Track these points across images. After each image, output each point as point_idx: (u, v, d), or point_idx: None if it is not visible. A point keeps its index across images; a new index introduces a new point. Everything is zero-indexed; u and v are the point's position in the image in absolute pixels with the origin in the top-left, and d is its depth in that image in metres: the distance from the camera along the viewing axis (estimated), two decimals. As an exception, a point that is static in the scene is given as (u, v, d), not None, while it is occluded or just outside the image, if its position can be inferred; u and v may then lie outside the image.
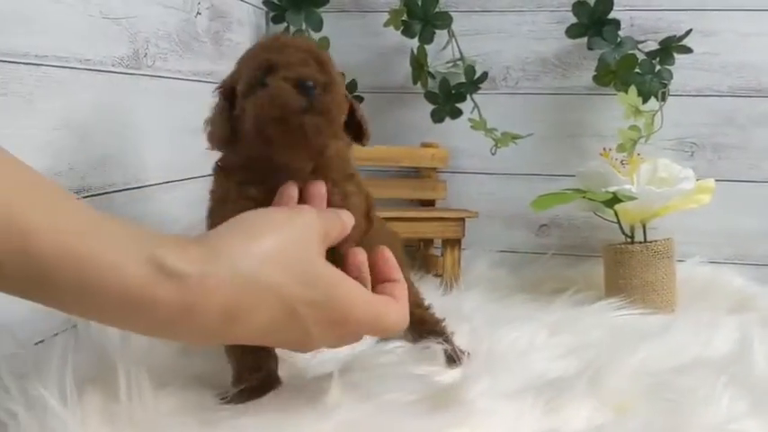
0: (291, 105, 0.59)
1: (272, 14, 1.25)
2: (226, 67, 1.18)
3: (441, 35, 1.23)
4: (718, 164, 1.23)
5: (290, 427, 0.60)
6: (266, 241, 0.50)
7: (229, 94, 0.66)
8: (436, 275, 1.15)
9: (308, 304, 0.51)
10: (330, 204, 0.64)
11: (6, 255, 0.42)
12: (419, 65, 1.21)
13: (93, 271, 0.43)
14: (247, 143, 0.62)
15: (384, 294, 0.59)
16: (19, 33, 0.69)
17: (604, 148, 1.10)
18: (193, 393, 0.65)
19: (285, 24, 1.25)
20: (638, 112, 1.06)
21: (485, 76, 1.21)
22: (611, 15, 1.17)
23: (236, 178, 0.64)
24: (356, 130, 0.69)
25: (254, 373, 0.67)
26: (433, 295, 1.08)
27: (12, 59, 0.68)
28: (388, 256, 0.62)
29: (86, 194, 0.79)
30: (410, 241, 1.28)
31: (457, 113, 1.21)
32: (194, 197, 0.96)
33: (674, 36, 1.15)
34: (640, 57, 1.15)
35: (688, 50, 1.14)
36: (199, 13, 1.04)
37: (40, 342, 0.56)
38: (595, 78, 1.18)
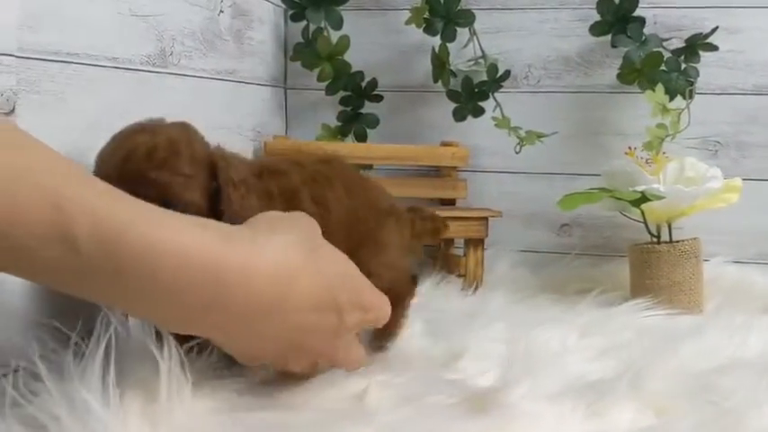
0: None
1: (290, 12, 1.25)
2: (247, 66, 1.19)
3: (462, 33, 1.22)
4: (742, 162, 1.21)
5: (330, 429, 0.59)
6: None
7: None
8: (459, 276, 1.13)
9: (338, 275, 0.58)
10: None
11: (91, 242, 0.45)
12: (441, 63, 1.20)
13: (168, 253, 0.47)
14: None
15: None
16: (51, 31, 0.68)
17: (630, 147, 1.08)
18: (229, 393, 0.64)
19: (305, 23, 1.24)
20: (665, 110, 1.05)
21: (507, 74, 1.20)
22: (636, 13, 1.16)
23: None
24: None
25: None
26: (456, 296, 1.08)
27: (44, 57, 0.67)
28: None
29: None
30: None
31: (479, 112, 1.20)
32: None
33: (700, 34, 1.14)
34: (665, 54, 1.13)
35: (713, 48, 1.13)
36: (222, 11, 1.03)
37: (80, 343, 0.55)
38: (619, 76, 1.17)
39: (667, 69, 1.11)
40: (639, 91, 1.17)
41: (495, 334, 0.86)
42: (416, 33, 1.23)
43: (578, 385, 0.70)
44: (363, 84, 1.27)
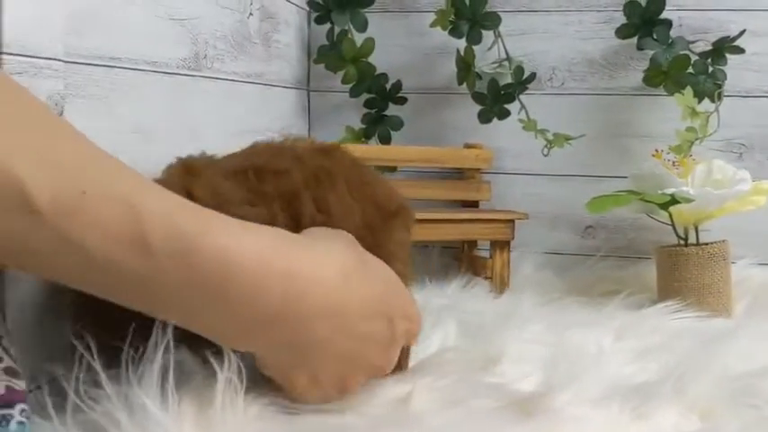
0: None
1: (315, 15, 1.25)
2: (275, 68, 1.19)
3: (486, 35, 1.22)
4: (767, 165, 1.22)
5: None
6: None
7: None
8: (486, 278, 1.13)
9: (387, 283, 0.59)
10: None
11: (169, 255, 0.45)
12: (466, 66, 1.20)
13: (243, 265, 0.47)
14: None
15: None
16: (95, 35, 0.68)
17: (656, 150, 1.09)
18: (276, 397, 0.64)
19: (329, 25, 1.24)
20: (694, 113, 1.05)
21: (533, 76, 1.20)
22: (661, 16, 1.16)
23: None
24: None
25: None
26: (483, 299, 1.08)
27: (89, 62, 0.67)
28: None
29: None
30: (455, 243, 1.27)
31: (505, 114, 1.20)
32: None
33: (727, 37, 1.14)
34: (692, 57, 1.14)
35: (740, 51, 1.13)
36: (251, 14, 1.03)
37: (137, 348, 0.55)
38: (645, 79, 1.17)
39: (695, 72, 1.11)
40: (664, 93, 1.17)
41: (530, 336, 0.86)
42: (439, 35, 1.23)
43: (621, 388, 0.70)
44: (388, 86, 1.27)
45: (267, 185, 0.66)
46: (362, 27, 1.23)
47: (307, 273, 0.50)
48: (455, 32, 1.19)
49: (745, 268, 1.15)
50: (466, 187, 1.27)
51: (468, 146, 1.26)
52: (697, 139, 1.07)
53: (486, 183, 1.27)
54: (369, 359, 0.58)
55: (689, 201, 1.01)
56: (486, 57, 1.24)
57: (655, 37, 1.15)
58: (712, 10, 1.20)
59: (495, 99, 1.20)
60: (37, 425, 0.51)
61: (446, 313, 0.93)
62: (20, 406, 0.49)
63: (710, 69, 1.13)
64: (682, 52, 1.13)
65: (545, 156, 1.18)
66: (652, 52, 1.15)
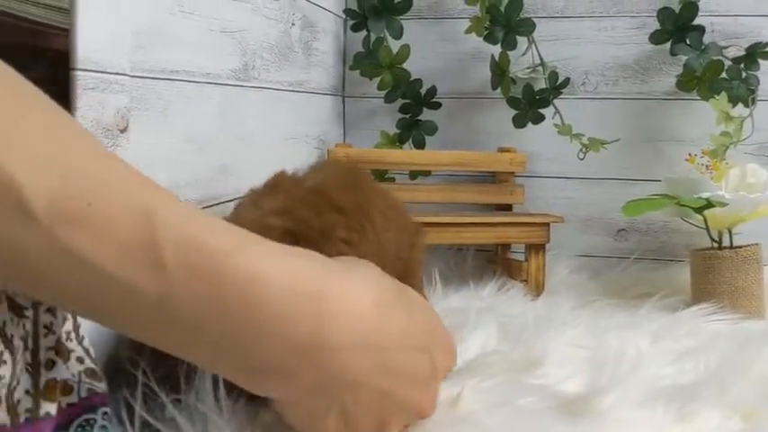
0: None
1: (351, 23, 1.28)
2: (314, 76, 1.22)
3: (520, 41, 1.24)
4: (799, 169, 1.22)
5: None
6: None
7: None
8: (521, 281, 1.15)
9: (425, 314, 0.54)
10: None
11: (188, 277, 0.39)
12: (501, 71, 1.22)
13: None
14: None
15: None
16: (157, 49, 0.71)
17: (690, 154, 1.10)
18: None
19: (365, 33, 1.26)
20: (728, 117, 1.06)
21: (567, 81, 1.22)
22: (694, 21, 1.17)
23: None
24: None
25: None
26: (520, 301, 1.10)
27: (152, 75, 0.70)
28: None
29: (207, 205, 0.81)
30: (488, 246, 1.29)
31: (539, 119, 1.22)
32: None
33: (760, 42, 1.15)
34: (725, 63, 1.15)
35: (773, 56, 1.14)
36: (293, 24, 1.06)
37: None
38: (679, 84, 1.18)
39: (728, 77, 1.13)
40: (696, 98, 1.18)
41: (569, 339, 0.88)
42: (473, 41, 1.25)
43: (663, 390, 0.71)
44: (422, 91, 1.30)
45: (311, 246, 0.66)
46: (398, 34, 1.25)
47: (341, 300, 0.44)
48: (490, 39, 1.21)
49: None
50: (500, 191, 1.29)
51: (501, 150, 1.29)
52: (731, 144, 1.09)
53: (519, 186, 1.29)
54: (409, 398, 0.50)
55: (724, 204, 1.02)
56: (521, 62, 1.26)
57: (688, 42, 1.16)
58: (744, 15, 1.21)
59: (530, 104, 1.22)
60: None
61: (485, 316, 0.95)
62: (102, 409, 0.50)
63: (744, 74, 1.14)
64: (715, 58, 1.15)
65: (581, 160, 1.20)
66: (685, 57, 1.17)
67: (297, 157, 1.10)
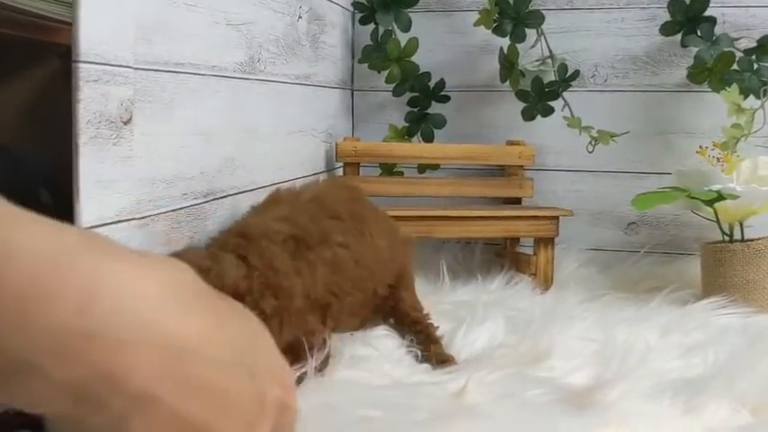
0: None
1: (359, 16, 1.27)
2: (321, 69, 1.22)
3: (529, 33, 1.23)
4: (812, 161, 1.21)
5: (440, 427, 0.61)
6: None
7: None
8: (530, 275, 1.15)
9: (246, 333, 0.40)
10: None
11: None
12: (510, 64, 1.22)
13: None
14: None
15: None
16: (161, 42, 0.71)
17: (701, 146, 1.09)
18: (340, 390, 0.67)
19: (373, 26, 1.26)
20: (740, 109, 1.05)
21: (576, 73, 1.21)
22: (705, 13, 1.16)
23: None
24: None
25: None
26: (528, 295, 1.10)
27: (156, 68, 0.70)
28: None
29: (213, 198, 0.81)
30: (497, 240, 1.29)
31: (549, 111, 1.21)
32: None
33: (772, 33, 1.14)
34: (737, 54, 1.14)
35: (785, 47, 1.13)
36: (300, 17, 1.06)
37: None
38: (690, 76, 1.17)
39: (740, 69, 1.12)
40: (707, 90, 1.17)
41: (576, 332, 0.87)
42: (482, 34, 1.25)
43: (670, 384, 0.71)
44: (431, 85, 1.29)
45: (311, 253, 0.72)
46: (406, 27, 1.24)
47: (119, 282, 0.33)
48: (499, 31, 1.20)
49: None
50: (509, 184, 1.28)
51: (510, 143, 1.28)
52: (743, 136, 1.08)
53: (528, 180, 1.28)
54: None
55: (735, 197, 1.01)
56: (530, 54, 1.25)
57: (699, 34, 1.15)
58: (756, 7, 1.20)
59: (539, 96, 1.21)
60: None
61: (493, 309, 0.95)
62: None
63: (755, 66, 1.13)
64: (726, 49, 1.14)
65: (590, 152, 1.19)
66: (696, 49, 1.16)
67: (304, 151, 1.10)
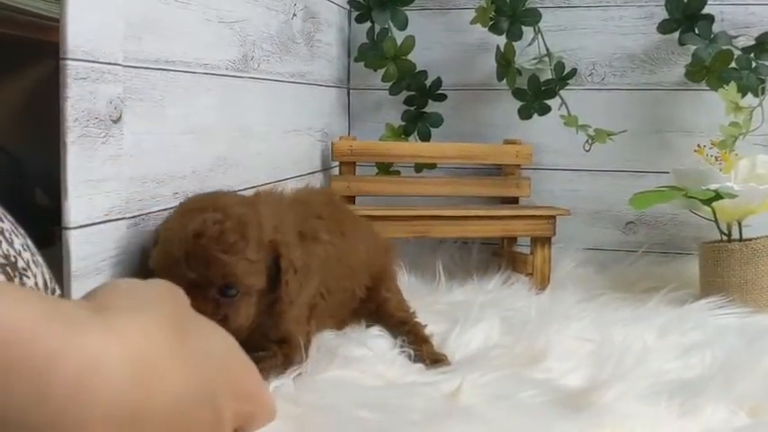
0: None
1: (356, 14, 1.26)
2: (316, 68, 1.21)
3: (526, 31, 1.22)
4: (810, 160, 1.20)
5: (434, 428, 0.60)
6: None
7: None
8: (527, 274, 1.14)
9: (211, 355, 0.41)
10: None
11: None
12: (506, 62, 1.21)
13: None
14: None
15: None
16: (151, 40, 0.70)
17: (699, 145, 1.08)
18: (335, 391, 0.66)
19: (369, 24, 1.25)
20: (738, 108, 1.04)
21: (574, 72, 1.20)
22: (703, 11, 1.15)
23: None
24: None
25: None
26: (525, 295, 1.09)
27: (146, 66, 0.69)
28: None
29: (205, 197, 0.81)
30: (494, 239, 1.28)
31: (545, 110, 1.20)
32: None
33: (770, 31, 1.13)
34: (735, 52, 1.13)
35: (784, 45, 1.12)
36: (295, 15, 1.05)
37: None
38: (688, 74, 1.17)
39: (738, 67, 1.11)
40: (705, 88, 1.16)
41: (573, 333, 0.86)
42: (478, 32, 1.24)
43: (667, 384, 0.70)
44: (427, 83, 1.28)
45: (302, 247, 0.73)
46: (403, 25, 1.24)
47: (83, 356, 0.32)
48: (495, 29, 1.19)
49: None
50: (506, 183, 1.27)
51: (507, 142, 1.27)
52: (741, 134, 1.07)
53: (525, 179, 1.27)
54: None
55: (733, 196, 1.01)
56: (526, 53, 1.25)
57: (697, 32, 1.14)
58: (755, 4, 1.19)
59: (536, 95, 1.20)
60: None
61: (489, 309, 0.94)
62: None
63: (753, 64, 1.12)
64: (724, 47, 1.13)
65: (586, 151, 1.18)
66: (694, 47, 1.15)
67: (299, 149, 1.09)
